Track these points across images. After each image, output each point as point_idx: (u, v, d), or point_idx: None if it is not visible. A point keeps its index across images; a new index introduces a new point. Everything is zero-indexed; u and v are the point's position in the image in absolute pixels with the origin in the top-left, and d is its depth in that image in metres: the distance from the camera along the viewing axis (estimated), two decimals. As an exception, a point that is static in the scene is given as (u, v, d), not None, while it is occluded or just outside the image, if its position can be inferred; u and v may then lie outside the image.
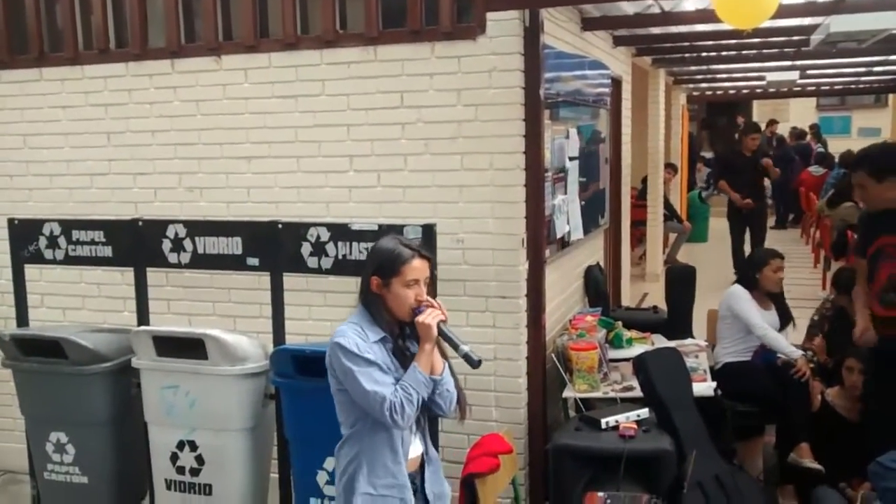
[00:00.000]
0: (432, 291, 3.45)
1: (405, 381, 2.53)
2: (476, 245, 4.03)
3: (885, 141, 9.51)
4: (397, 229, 3.55)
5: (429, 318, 2.55)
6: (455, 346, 2.62)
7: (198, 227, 3.94)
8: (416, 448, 2.70)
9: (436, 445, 3.53)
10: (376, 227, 3.62)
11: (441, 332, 2.59)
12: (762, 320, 4.63)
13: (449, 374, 2.66)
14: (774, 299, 4.81)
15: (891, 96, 15.70)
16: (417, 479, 2.71)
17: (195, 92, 4.46)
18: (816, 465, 4.17)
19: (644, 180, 10.07)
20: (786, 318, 4.83)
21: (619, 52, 6.76)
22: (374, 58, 4.13)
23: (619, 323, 4.91)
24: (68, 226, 4.16)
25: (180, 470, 3.66)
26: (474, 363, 2.60)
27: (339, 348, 2.55)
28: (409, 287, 2.58)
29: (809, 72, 11.01)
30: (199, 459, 3.62)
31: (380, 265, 2.62)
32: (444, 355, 2.66)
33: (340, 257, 3.67)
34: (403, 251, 2.61)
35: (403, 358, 2.61)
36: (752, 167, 9.09)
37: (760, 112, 18.98)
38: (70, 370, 3.82)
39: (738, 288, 4.80)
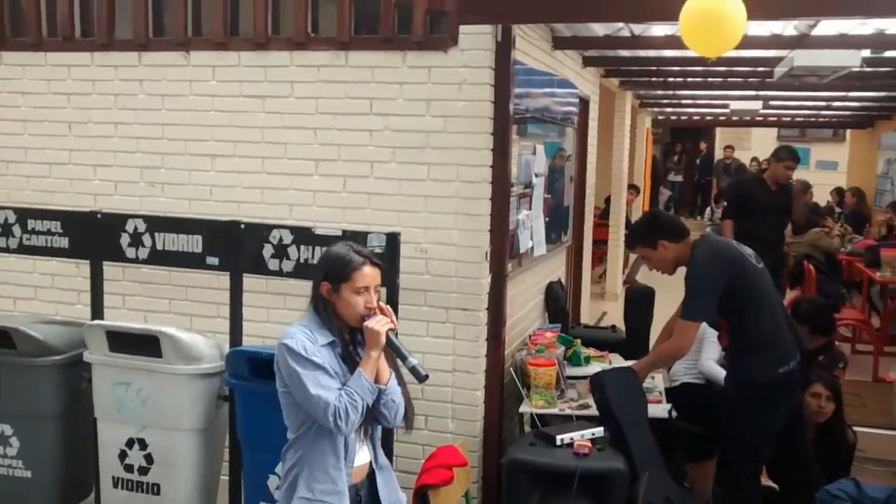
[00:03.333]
0: (394, 300, 3.47)
1: (350, 387, 2.51)
2: (439, 256, 4.03)
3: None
4: (361, 236, 3.54)
5: (378, 324, 2.54)
6: (403, 358, 2.61)
7: (158, 223, 3.88)
8: (363, 456, 2.68)
9: (389, 454, 3.52)
10: (340, 233, 3.59)
11: (389, 341, 2.57)
12: (715, 353, 4.66)
13: (395, 385, 2.64)
14: None
15: (848, 132, 16.09)
16: (364, 489, 2.69)
17: (161, 86, 4.40)
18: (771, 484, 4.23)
19: (607, 200, 10.16)
20: None
21: (587, 72, 6.83)
22: (344, 63, 4.11)
23: (578, 340, 4.92)
24: (24, 214, 4.07)
25: (128, 468, 3.59)
26: (421, 377, 2.60)
27: (286, 349, 2.53)
28: (358, 294, 2.57)
29: (772, 102, 11.26)
30: (149, 458, 3.55)
31: (330, 271, 2.61)
32: (391, 365, 2.64)
33: (302, 261, 3.63)
34: (354, 258, 2.59)
35: (352, 363, 2.59)
36: (776, 204, 6.55)
37: (723, 139, 19.35)
38: (19, 361, 3.73)
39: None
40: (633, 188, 11.25)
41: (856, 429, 4.63)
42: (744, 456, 3.74)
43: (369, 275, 2.59)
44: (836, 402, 4.21)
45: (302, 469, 2.58)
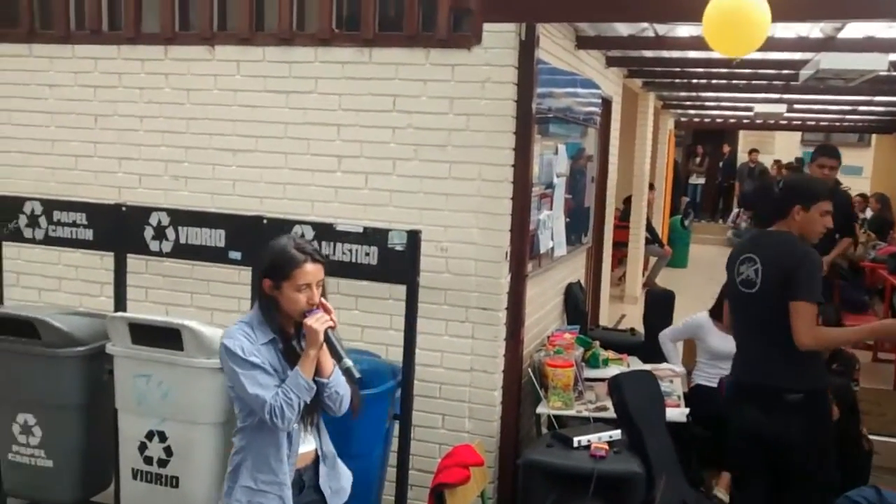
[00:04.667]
0: (413, 299, 3.48)
1: (286, 386, 2.54)
2: (459, 255, 4.03)
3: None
4: (382, 233, 3.54)
5: (316, 322, 2.55)
6: (338, 358, 2.61)
7: (181, 217, 3.90)
8: (308, 444, 2.73)
9: (405, 453, 3.53)
10: (361, 230, 3.60)
11: (327, 339, 2.58)
12: (678, 335, 5.06)
13: (339, 376, 2.66)
14: None
15: (874, 136, 15.93)
16: (308, 475, 2.74)
17: (186, 80, 4.43)
18: (724, 499, 4.20)
19: (626, 201, 10.11)
20: None
21: (611, 72, 6.80)
22: (368, 60, 4.12)
23: (597, 343, 4.91)
24: (50, 206, 4.10)
25: (148, 460, 3.60)
26: (355, 379, 2.63)
27: (225, 350, 2.58)
28: (300, 291, 2.57)
29: (796, 106, 11.15)
30: (168, 451, 3.56)
31: (271, 268, 2.61)
32: (334, 357, 2.64)
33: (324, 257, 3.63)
34: (296, 255, 2.58)
35: (294, 358, 2.61)
36: None
37: (746, 142, 19.22)
38: (42, 351, 3.75)
39: (700, 314, 5.00)
40: (649, 186, 11.12)
41: (876, 438, 4.59)
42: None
43: (311, 272, 2.58)
44: (852, 409, 4.17)
45: (245, 458, 2.65)
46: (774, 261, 3.50)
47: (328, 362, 2.63)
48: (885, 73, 5.72)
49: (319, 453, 2.77)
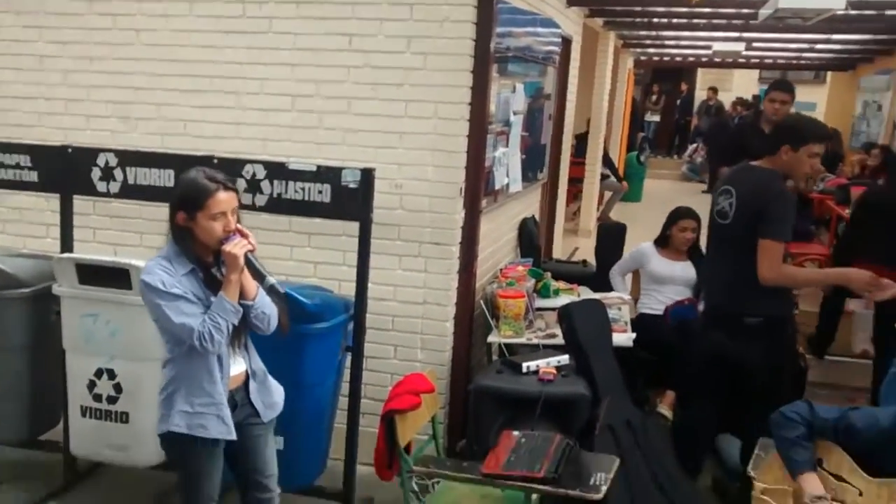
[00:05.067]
0: (367, 235, 3.54)
1: (213, 311, 2.62)
2: (414, 191, 4.07)
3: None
4: (335, 171, 3.57)
5: (235, 247, 2.62)
6: (261, 278, 2.72)
7: (129, 158, 3.85)
8: (238, 366, 2.83)
9: (357, 381, 3.63)
10: (314, 168, 3.62)
11: (248, 262, 2.67)
12: (626, 266, 5.28)
13: (264, 297, 2.75)
14: (693, 255, 5.05)
15: (829, 74, 16.08)
16: (239, 395, 2.84)
17: (136, 21, 4.36)
18: (668, 415, 4.41)
19: (578, 137, 10.15)
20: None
21: (571, 11, 6.81)
22: (324, -1, 4.10)
23: (549, 274, 5.03)
24: (-9, 148, 4.02)
25: (97, 398, 3.63)
26: (280, 294, 2.76)
27: (145, 286, 2.64)
28: (215, 220, 2.64)
29: (755, 44, 11.22)
30: (118, 388, 3.60)
31: (184, 199, 2.67)
32: (258, 279, 2.74)
33: (275, 196, 3.64)
34: (208, 184, 2.65)
35: (216, 286, 2.69)
36: None
37: (704, 80, 19.31)
38: (-15, 294, 3.72)
39: (644, 243, 5.20)
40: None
41: (810, 357, 4.82)
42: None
43: (224, 200, 2.65)
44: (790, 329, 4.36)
45: (179, 386, 2.73)
46: (749, 196, 3.63)
47: (251, 285, 2.71)
48: (842, 12, 5.79)
49: (249, 372, 2.87)
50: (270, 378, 2.98)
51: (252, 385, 2.88)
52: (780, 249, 3.58)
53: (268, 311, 2.78)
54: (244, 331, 2.80)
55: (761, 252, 3.55)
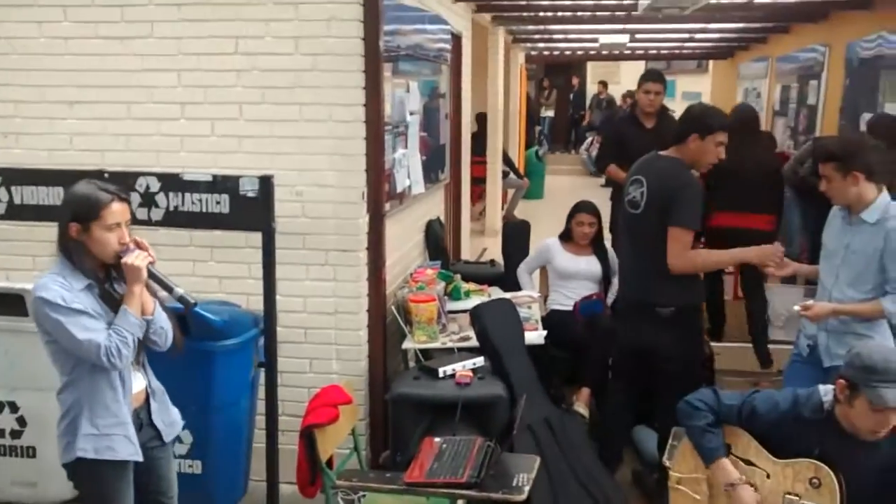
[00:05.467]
0: (271, 245, 3.44)
1: (118, 325, 2.58)
2: (315, 198, 3.99)
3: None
4: (233, 180, 3.46)
5: (137, 259, 2.59)
6: (168, 289, 2.71)
7: (14, 176, 3.65)
8: (139, 383, 2.78)
9: (273, 398, 3.53)
10: (210, 178, 3.50)
11: (151, 274, 2.65)
12: (532, 263, 5.31)
13: (161, 312, 2.74)
14: (596, 249, 5.13)
15: (711, 62, 16.73)
16: (143, 414, 2.81)
17: (6, 28, 4.12)
18: (584, 413, 4.50)
19: (474, 135, 10.19)
20: (609, 266, 5.15)
21: (459, 7, 6.82)
22: (206, 0, 3.96)
23: (458, 276, 5.03)
24: None
25: (0, 433, 3.45)
26: (190, 304, 2.73)
27: (43, 303, 2.55)
28: (110, 231, 2.60)
29: (638, 36, 11.56)
30: (21, 421, 3.44)
31: (77, 211, 2.62)
32: (152, 294, 2.73)
33: (172, 209, 3.51)
34: (101, 195, 2.61)
35: (112, 301, 2.65)
36: (652, 142, 4.48)
37: (594, 74, 19.78)
38: None
39: (549, 239, 5.28)
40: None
41: (715, 344, 4.97)
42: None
43: (118, 211, 2.62)
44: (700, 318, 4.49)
45: (81, 409, 2.65)
46: (658, 185, 3.68)
47: (148, 300, 2.69)
48: (715, 2, 6.00)
49: (149, 390, 2.83)
50: (167, 397, 2.93)
51: (153, 404, 2.83)
52: (689, 237, 3.67)
53: (165, 325, 2.75)
54: (143, 348, 2.76)
55: (670, 240, 3.63)
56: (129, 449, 2.68)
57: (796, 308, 3.42)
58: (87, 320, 2.55)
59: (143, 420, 2.80)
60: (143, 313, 2.65)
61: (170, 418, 2.89)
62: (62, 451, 2.69)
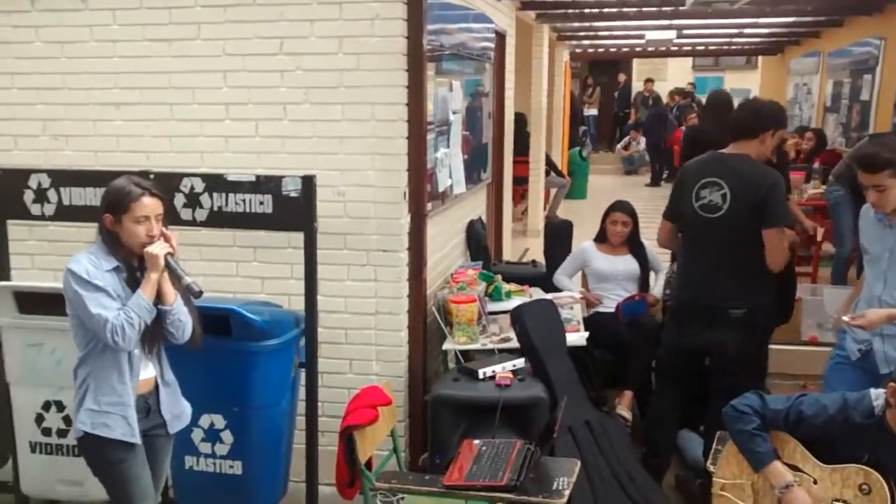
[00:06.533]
0: (312, 245, 3.45)
1: (128, 307, 2.72)
2: (357, 198, 3.99)
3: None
4: (275, 181, 3.49)
5: (156, 248, 2.76)
6: (178, 278, 2.85)
7: (63, 177, 3.72)
8: (149, 371, 2.91)
9: (313, 399, 3.55)
10: (253, 178, 3.53)
11: (167, 263, 2.79)
12: (569, 268, 5.21)
13: (181, 305, 2.86)
14: (633, 248, 5.07)
15: (760, 58, 16.43)
16: (152, 400, 2.93)
17: (58, 33, 4.19)
18: (627, 415, 4.44)
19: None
20: (647, 264, 5.10)
21: (503, 5, 6.78)
22: (252, 1, 3.98)
23: (499, 276, 5.00)
24: (-83, 174, 3.84)
25: (46, 432, 3.50)
26: (195, 293, 2.86)
27: (70, 274, 2.73)
28: (139, 223, 2.77)
29: (686, 32, 11.40)
30: (67, 420, 3.47)
31: (111, 203, 2.80)
32: (178, 288, 2.86)
33: (216, 209, 3.55)
34: (133, 189, 2.79)
35: (137, 287, 2.79)
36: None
37: (640, 71, 19.57)
38: (-80, 330, 3.56)
39: (585, 242, 5.24)
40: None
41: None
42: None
43: (148, 205, 2.79)
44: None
45: (90, 384, 2.81)
46: (744, 187, 3.62)
47: (171, 291, 2.83)
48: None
49: (160, 381, 2.93)
50: (179, 392, 3.04)
51: (163, 394, 2.94)
52: (784, 234, 3.67)
53: (183, 318, 2.87)
54: (159, 338, 2.88)
55: (772, 240, 3.60)
56: (124, 429, 2.79)
57: (845, 319, 3.32)
58: (103, 297, 2.70)
59: (152, 406, 2.92)
60: (164, 303, 2.80)
61: (178, 410, 3.00)
62: (73, 427, 2.85)
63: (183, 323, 2.86)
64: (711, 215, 3.72)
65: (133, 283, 2.80)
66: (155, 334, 2.84)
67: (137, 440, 2.82)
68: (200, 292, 2.86)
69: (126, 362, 2.80)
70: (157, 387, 2.93)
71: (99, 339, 2.73)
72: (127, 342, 2.70)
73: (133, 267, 2.83)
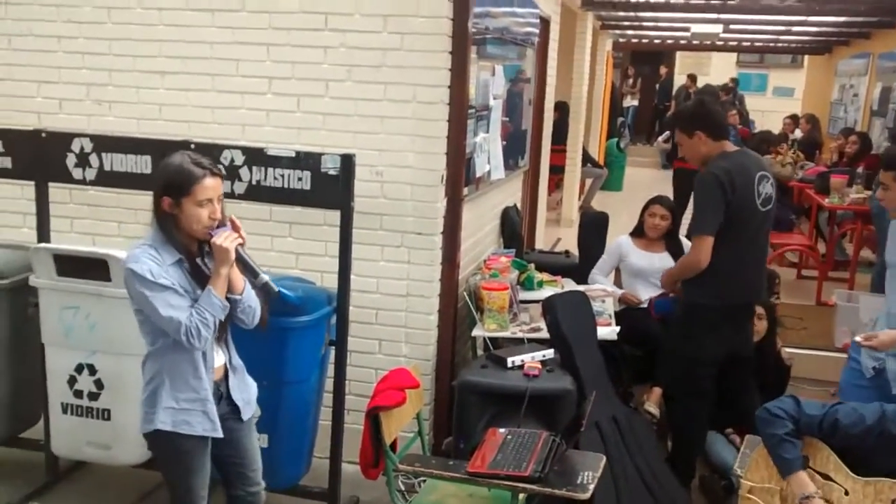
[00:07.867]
0: (348, 224, 3.45)
1: (200, 306, 2.55)
2: (394, 179, 3.98)
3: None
4: (315, 157, 3.48)
5: (226, 241, 2.55)
6: (254, 275, 2.66)
7: (105, 143, 3.74)
8: (219, 358, 2.77)
9: (341, 378, 3.56)
10: (293, 154, 3.52)
11: (239, 257, 2.60)
12: (605, 266, 5.17)
13: (250, 291, 2.70)
14: (670, 243, 5.01)
15: (806, 57, 16.13)
16: (223, 387, 2.79)
17: (107, -2, 4.21)
18: (655, 412, 4.38)
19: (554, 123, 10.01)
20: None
21: (549, -9, 6.70)
22: (298, -25, 3.97)
23: (532, 265, 4.97)
24: (-38, 133, 3.89)
25: (78, 394, 3.54)
26: (273, 293, 2.70)
27: (132, 274, 2.55)
28: (201, 206, 2.56)
29: (732, 26, 11.21)
30: (99, 384, 3.51)
31: (170, 185, 2.58)
32: (244, 271, 2.68)
33: (255, 183, 3.55)
34: (194, 170, 2.56)
35: (201, 277, 2.63)
36: None
37: (683, 64, 19.30)
38: (-39, 286, 3.62)
39: (621, 237, 5.18)
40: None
41: (796, 351, 4.80)
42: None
43: (211, 186, 2.57)
44: (770, 324, 4.34)
45: (162, 381, 2.65)
46: (774, 178, 3.83)
47: (238, 278, 2.65)
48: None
49: (228, 366, 2.81)
50: (246, 373, 2.93)
51: (232, 380, 2.82)
52: None
53: (254, 304, 2.72)
54: (227, 325, 2.74)
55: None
56: (206, 425, 2.69)
57: (857, 339, 3.24)
58: (172, 297, 2.54)
59: (223, 392, 2.80)
60: (233, 291, 2.63)
61: (248, 395, 2.88)
62: (142, 421, 2.72)
63: (253, 309, 2.71)
64: (767, 208, 3.75)
65: (197, 275, 2.63)
66: (224, 322, 2.68)
67: (219, 433, 2.72)
68: (278, 292, 2.73)
69: (200, 357, 2.66)
70: (226, 373, 2.80)
71: (168, 336, 2.59)
72: (203, 343, 2.57)
73: (194, 254, 2.65)
